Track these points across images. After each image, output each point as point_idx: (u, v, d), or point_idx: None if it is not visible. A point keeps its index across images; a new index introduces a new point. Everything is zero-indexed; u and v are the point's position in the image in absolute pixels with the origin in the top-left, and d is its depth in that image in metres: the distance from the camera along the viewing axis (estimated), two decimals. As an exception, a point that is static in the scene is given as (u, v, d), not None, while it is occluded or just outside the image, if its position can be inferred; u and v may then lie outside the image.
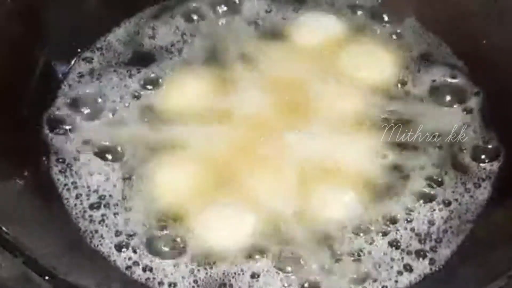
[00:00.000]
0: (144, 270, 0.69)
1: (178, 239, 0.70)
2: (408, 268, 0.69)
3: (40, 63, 0.79)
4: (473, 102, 0.80)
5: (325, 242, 0.70)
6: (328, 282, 0.68)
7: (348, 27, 0.85)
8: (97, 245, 0.71)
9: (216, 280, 0.69)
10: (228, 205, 0.72)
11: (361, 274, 0.69)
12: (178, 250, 0.70)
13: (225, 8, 0.87)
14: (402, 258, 0.70)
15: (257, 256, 0.69)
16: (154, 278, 0.69)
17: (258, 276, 0.69)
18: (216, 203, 0.72)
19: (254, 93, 0.80)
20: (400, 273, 0.69)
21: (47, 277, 0.60)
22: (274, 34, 0.85)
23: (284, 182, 0.74)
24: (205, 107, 0.79)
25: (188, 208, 0.72)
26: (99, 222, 0.72)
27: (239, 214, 0.72)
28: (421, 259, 0.70)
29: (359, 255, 0.70)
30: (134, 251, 0.70)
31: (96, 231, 0.71)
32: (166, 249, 0.70)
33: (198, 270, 0.69)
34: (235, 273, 0.69)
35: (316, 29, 0.85)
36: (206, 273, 0.69)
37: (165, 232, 0.71)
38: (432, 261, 0.70)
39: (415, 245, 0.71)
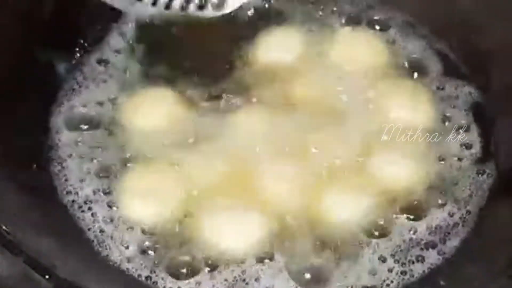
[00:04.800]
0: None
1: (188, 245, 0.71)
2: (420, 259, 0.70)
3: (40, 63, 0.79)
4: (473, 101, 0.80)
5: (334, 240, 0.71)
6: (338, 278, 0.69)
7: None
8: (98, 246, 0.71)
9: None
10: (237, 209, 0.72)
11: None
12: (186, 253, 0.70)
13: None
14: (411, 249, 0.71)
15: (268, 260, 0.69)
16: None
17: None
18: (224, 208, 0.72)
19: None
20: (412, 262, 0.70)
21: (47, 276, 0.60)
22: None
23: (297, 184, 0.73)
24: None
25: (193, 214, 0.72)
26: (99, 222, 0.72)
27: (248, 218, 0.71)
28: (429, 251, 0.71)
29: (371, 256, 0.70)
30: (141, 253, 0.70)
31: (100, 231, 0.72)
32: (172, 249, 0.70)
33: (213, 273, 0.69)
34: (246, 277, 0.69)
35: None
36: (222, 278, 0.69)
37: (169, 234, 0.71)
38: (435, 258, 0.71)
39: (422, 241, 0.71)
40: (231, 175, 0.74)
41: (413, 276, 0.69)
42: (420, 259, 0.70)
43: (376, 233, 0.71)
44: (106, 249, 0.71)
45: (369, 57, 0.82)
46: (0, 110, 0.73)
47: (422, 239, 0.71)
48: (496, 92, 0.80)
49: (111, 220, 0.72)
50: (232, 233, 0.70)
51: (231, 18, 0.87)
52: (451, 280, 0.68)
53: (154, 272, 0.69)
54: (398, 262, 0.70)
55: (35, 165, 0.74)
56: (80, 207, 0.73)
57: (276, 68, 0.82)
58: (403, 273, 0.69)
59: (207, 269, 0.69)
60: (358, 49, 0.82)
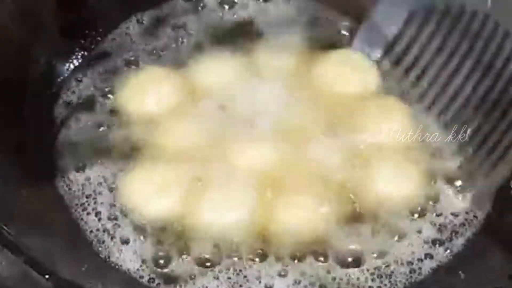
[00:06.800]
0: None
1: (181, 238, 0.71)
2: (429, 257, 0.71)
3: (40, 63, 0.79)
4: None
5: (336, 240, 0.71)
6: (342, 279, 0.69)
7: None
8: (99, 246, 0.71)
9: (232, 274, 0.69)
10: (238, 208, 0.72)
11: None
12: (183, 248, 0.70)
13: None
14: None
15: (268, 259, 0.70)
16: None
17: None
18: (227, 207, 0.72)
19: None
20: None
21: (47, 276, 0.60)
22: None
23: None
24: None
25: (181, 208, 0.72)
26: (101, 222, 0.72)
27: (251, 217, 0.71)
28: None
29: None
30: (142, 254, 0.70)
31: (101, 231, 0.72)
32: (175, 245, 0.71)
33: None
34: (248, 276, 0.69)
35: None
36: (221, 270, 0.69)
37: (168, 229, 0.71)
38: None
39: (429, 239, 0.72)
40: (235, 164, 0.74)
41: (421, 274, 0.69)
42: (430, 256, 0.70)
43: (379, 233, 0.71)
44: (107, 249, 0.70)
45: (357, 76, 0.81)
46: (0, 110, 0.73)
47: (428, 238, 0.71)
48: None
49: (113, 220, 0.72)
50: (235, 233, 0.70)
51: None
52: (450, 282, 0.68)
53: (155, 272, 0.69)
54: (402, 259, 0.70)
55: (36, 165, 0.74)
56: (81, 206, 0.73)
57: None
58: (412, 271, 0.69)
59: (209, 269, 0.69)
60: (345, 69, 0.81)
